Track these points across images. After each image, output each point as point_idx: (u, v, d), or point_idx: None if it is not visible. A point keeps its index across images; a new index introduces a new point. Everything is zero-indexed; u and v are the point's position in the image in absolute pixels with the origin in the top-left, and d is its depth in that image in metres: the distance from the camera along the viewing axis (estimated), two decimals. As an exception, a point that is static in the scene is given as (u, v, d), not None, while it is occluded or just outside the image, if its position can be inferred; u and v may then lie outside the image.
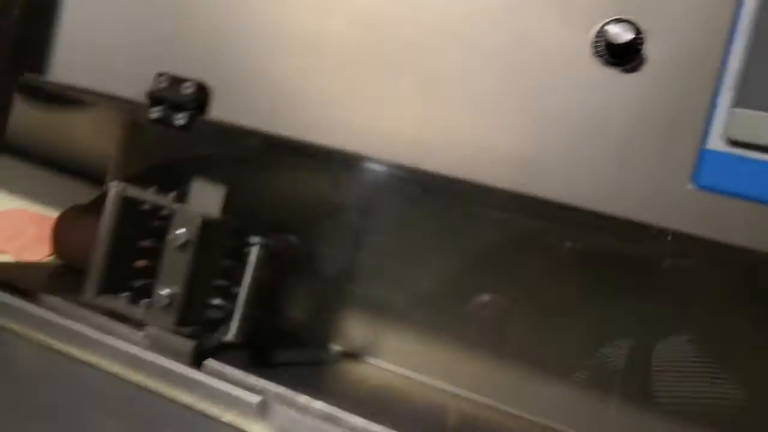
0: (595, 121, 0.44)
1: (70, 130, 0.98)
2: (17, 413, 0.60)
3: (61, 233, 0.79)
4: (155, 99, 0.55)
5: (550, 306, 0.70)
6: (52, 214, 0.99)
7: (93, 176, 1.09)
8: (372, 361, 0.76)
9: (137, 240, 0.65)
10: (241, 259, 0.63)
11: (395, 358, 0.75)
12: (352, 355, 0.76)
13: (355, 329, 0.77)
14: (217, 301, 0.63)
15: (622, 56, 0.42)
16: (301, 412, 0.50)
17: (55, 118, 0.95)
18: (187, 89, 0.54)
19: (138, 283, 0.64)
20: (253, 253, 0.60)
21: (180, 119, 0.54)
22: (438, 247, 0.73)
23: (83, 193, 1.05)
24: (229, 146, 0.80)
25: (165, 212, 0.62)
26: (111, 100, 0.58)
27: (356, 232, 0.75)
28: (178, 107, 0.54)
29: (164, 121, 0.55)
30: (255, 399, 0.53)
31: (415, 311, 0.75)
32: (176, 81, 0.54)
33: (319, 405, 0.52)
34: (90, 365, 0.59)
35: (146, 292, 0.63)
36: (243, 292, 0.60)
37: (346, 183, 0.76)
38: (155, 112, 0.55)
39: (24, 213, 0.99)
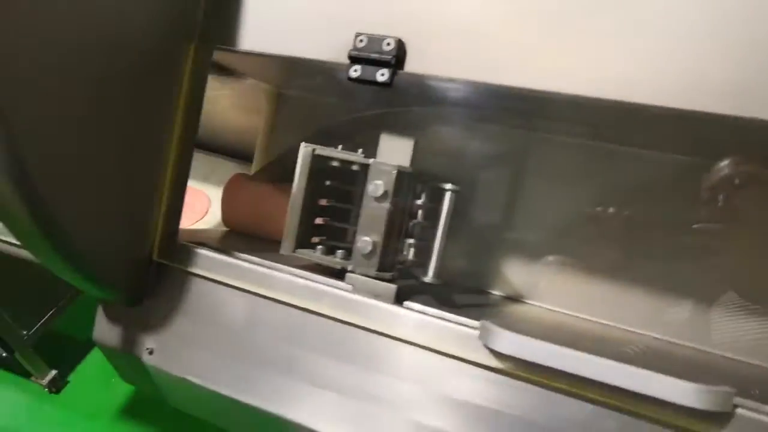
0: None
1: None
2: (231, 357, 0.66)
3: (226, 202, 0.85)
4: (354, 58, 0.59)
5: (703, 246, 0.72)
6: (194, 185, 1.05)
7: (228, 151, 1.14)
8: (532, 302, 0.79)
9: (320, 198, 0.69)
10: (412, 208, 0.67)
11: (553, 300, 0.78)
12: (512, 299, 0.80)
13: (514, 274, 0.80)
14: (406, 246, 0.67)
15: None
16: (521, 342, 0.54)
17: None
18: (389, 45, 0.57)
19: (322, 237, 0.69)
20: (448, 199, 0.63)
21: (382, 75, 0.57)
22: (593, 192, 0.75)
23: (225, 167, 1.11)
24: (378, 109, 0.84)
25: (354, 168, 0.66)
26: (306, 63, 0.62)
27: (512, 182, 0.78)
28: (376, 64, 0.58)
29: (365, 79, 0.58)
30: (474, 332, 0.57)
31: (569, 255, 0.77)
32: (375, 39, 0.58)
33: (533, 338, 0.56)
34: (300, 309, 0.64)
35: (334, 244, 0.68)
36: (438, 235, 0.64)
37: (502, 136, 0.79)
38: (355, 71, 0.59)
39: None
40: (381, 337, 0.61)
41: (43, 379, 1.45)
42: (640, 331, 0.73)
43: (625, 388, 0.49)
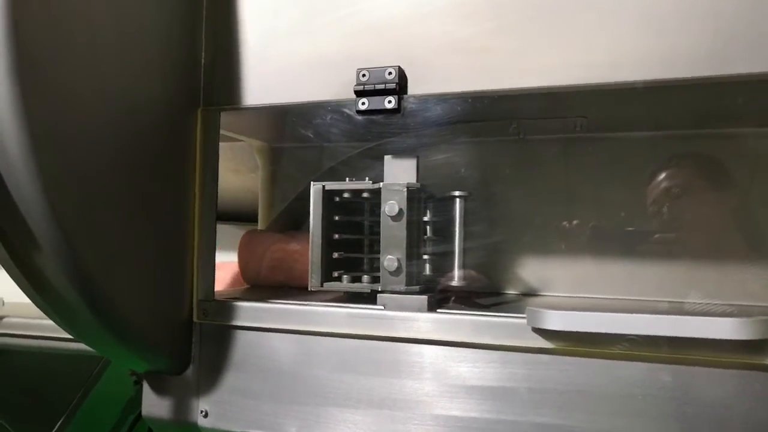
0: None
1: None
2: (290, 400, 0.67)
3: (244, 258, 0.87)
4: (360, 92, 0.63)
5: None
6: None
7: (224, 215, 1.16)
8: (548, 293, 0.83)
9: (333, 233, 0.72)
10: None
11: (565, 288, 0.83)
12: (529, 295, 0.83)
13: (527, 272, 0.84)
14: (426, 256, 0.70)
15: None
16: (573, 316, 0.57)
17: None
18: (390, 74, 0.62)
19: (340, 271, 0.72)
20: (458, 205, 0.67)
21: (390, 102, 0.62)
22: (596, 185, 0.81)
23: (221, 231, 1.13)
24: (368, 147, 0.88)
25: (364, 195, 0.70)
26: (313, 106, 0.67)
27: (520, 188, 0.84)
28: (382, 94, 0.63)
29: (373, 110, 0.63)
30: (523, 320, 0.60)
31: (578, 246, 0.82)
32: (377, 70, 0.63)
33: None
34: (348, 337, 0.66)
35: (357, 271, 0.72)
36: (457, 241, 0.68)
37: (508, 149, 0.85)
38: (363, 104, 0.63)
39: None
40: (429, 345, 0.63)
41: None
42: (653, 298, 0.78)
43: (676, 336, 0.53)
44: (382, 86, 0.62)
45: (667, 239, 0.78)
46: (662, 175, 0.78)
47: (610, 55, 0.57)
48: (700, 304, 0.74)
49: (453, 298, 0.74)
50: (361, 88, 0.63)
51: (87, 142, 0.56)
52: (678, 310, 0.65)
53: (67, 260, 0.55)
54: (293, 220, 0.92)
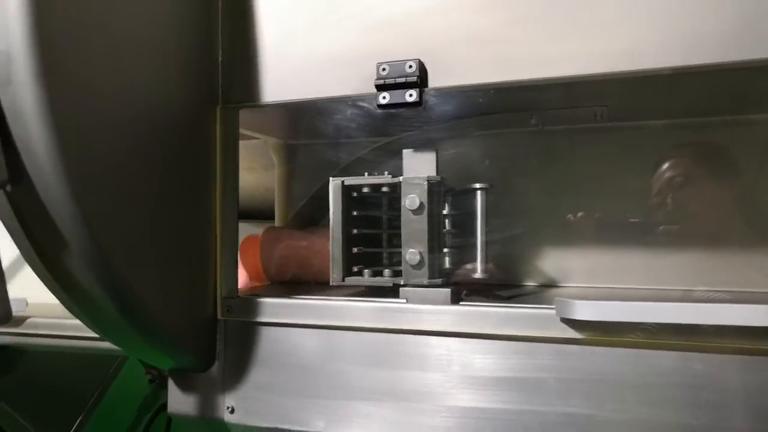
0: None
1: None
2: (317, 394, 0.68)
3: (265, 256, 0.87)
4: (381, 86, 0.63)
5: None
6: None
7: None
8: (566, 284, 0.83)
9: (352, 228, 0.72)
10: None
11: (583, 278, 0.83)
12: (546, 286, 0.83)
13: (545, 264, 0.84)
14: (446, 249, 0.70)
15: None
16: (605, 306, 0.57)
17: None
18: (411, 67, 0.62)
19: (360, 266, 0.72)
20: (480, 197, 0.67)
21: (411, 96, 0.62)
22: (616, 175, 0.80)
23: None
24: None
25: (384, 190, 0.69)
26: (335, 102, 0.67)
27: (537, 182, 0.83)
28: (403, 87, 0.62)
29: (395, 103, 0.63)
30: (551, 311, 0.60)
31: (594, 236, 0.82)
32: (397, 64, 0.62)
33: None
34: (371, 331, 0.66)
35: (377, 265, 0.72)
36: (480, 233, 0.67)
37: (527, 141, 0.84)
38: (384, 98, 0.63)
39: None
40: (454, 338, 0.63)
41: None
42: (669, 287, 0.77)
43: (706, 323, 0.53)
44: (402, 80, 0.62)
45: (671, 230, 0.78)
46: (665, 165, 0.78)
47: (632, 43, 0.57)
48: (718, 291, 0.74)
49: (465, 292, 0.73)
50: (381, 82, 0.63)
51: (111, 142, 0.56)
52: (703, 298, 0.64)
53: (94, 259, 0.55)
54: (311, 217, 0.92)
